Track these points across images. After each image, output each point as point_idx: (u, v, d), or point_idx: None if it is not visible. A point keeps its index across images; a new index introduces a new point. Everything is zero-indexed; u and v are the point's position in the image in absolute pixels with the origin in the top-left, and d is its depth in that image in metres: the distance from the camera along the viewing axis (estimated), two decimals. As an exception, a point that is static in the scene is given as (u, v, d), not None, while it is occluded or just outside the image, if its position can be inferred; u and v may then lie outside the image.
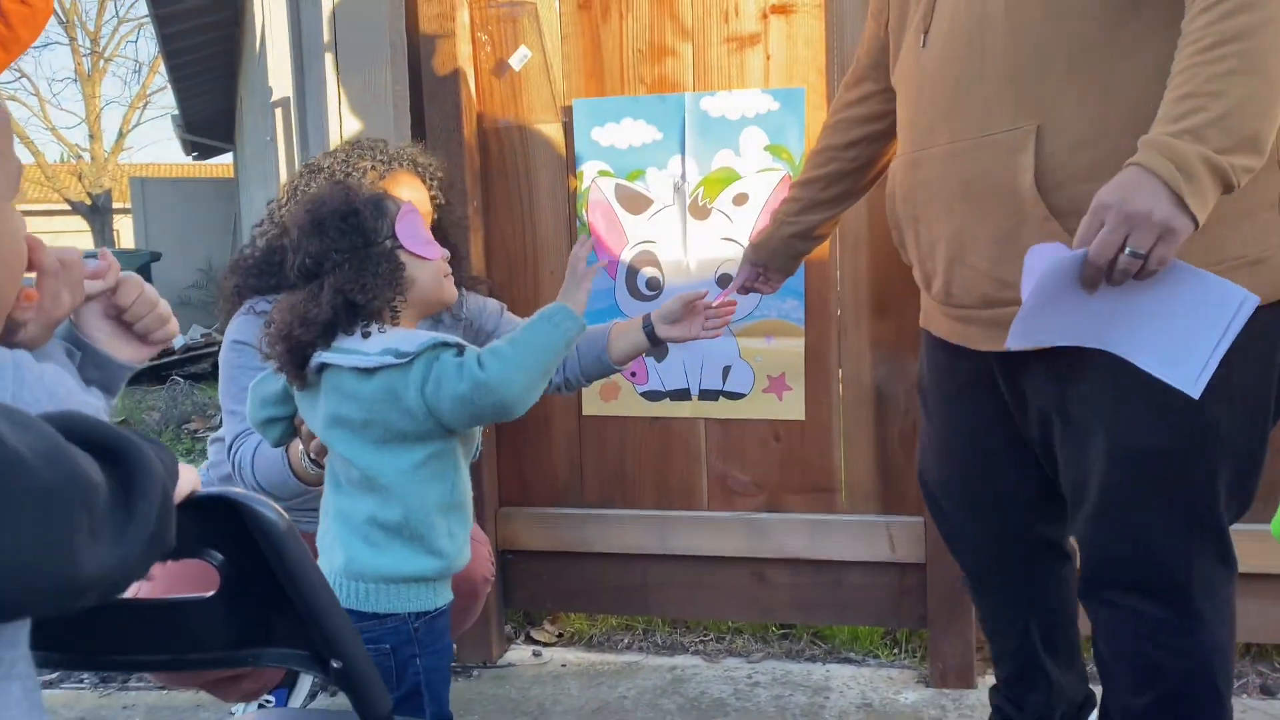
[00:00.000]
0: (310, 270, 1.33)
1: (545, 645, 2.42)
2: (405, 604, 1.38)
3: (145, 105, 19.65)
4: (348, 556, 1.33)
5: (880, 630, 2.30)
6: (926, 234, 1.44)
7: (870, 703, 2.05)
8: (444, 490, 1.36)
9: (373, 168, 1.75)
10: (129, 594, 0.66)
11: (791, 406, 2.20)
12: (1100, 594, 1.37)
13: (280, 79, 3.59)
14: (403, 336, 1.33)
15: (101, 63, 18.90)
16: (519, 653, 2.37)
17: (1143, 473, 1.27)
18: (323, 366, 1.33)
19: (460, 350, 1.36)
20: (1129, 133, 1.14)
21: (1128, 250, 1.06)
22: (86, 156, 18.94)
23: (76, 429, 0.58)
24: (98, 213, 18.24)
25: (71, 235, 21.25)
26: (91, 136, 18.89)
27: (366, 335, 1.31)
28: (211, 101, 10.81)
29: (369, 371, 1.29)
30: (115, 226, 19.09)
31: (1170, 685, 1.31)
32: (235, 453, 1.66)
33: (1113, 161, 1.13)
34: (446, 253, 1.42)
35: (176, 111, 12.00)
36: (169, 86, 11.18)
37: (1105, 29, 1.22)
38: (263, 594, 0.85)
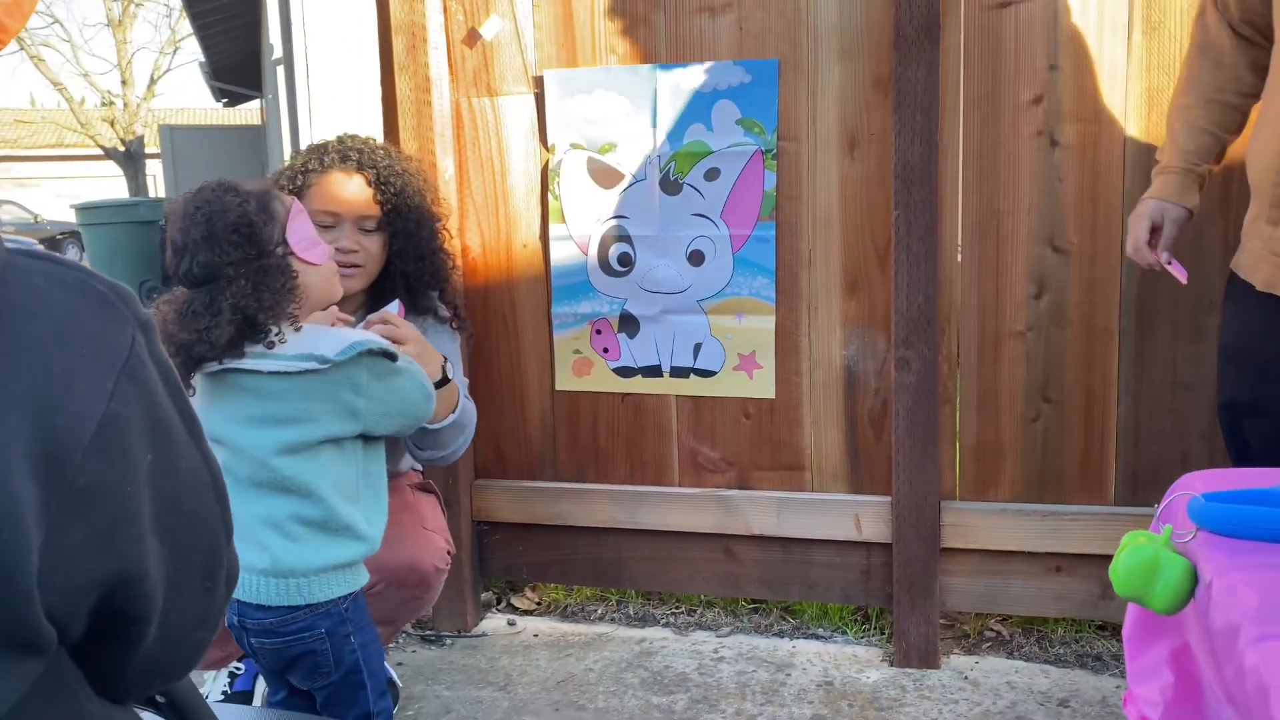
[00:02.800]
0: (198, 278, 1.34)
1: (523, 613, 2.45)
2: (334, 590, 1.41)
3: (176, 51, 19.59)
4: (272, 557, 1.35)
5: (850, 607, 2.30)
6: None
7: (831, 681, 2.06)
8: (353, 477, 1.39)
9: (313, 169, 1.75)
10: None
11: (762, 384, 2.19)
12: None
13: (276, 38, 3.57)
14: (316, 337, 1.34)
15: (132, 7, 18.90)
16: (493, 622, 2.41)
17: None
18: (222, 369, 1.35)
19: (391, 356, 1.39)
20: None
21: None
22: (119, 103, 19.03)
23: None
24: (131, 159, 18.39)
25: (107, 180, 21.49)
26: (123, 82, 18.97)
27: (271, 345, 1.32)
28: (236, 49, 10.79)
29: (289, 374, 1.31)
30: (150, 172, 19.25)
31: None
32: None
33: None
34: (331, 249, 1.44)
35: (203, 59, 12.01)
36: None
37: None
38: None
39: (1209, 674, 0.79)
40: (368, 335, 1.39)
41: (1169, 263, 1.67)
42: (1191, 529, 0.88)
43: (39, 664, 0.44)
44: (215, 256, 1.31)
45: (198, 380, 1.37)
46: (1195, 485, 0.93)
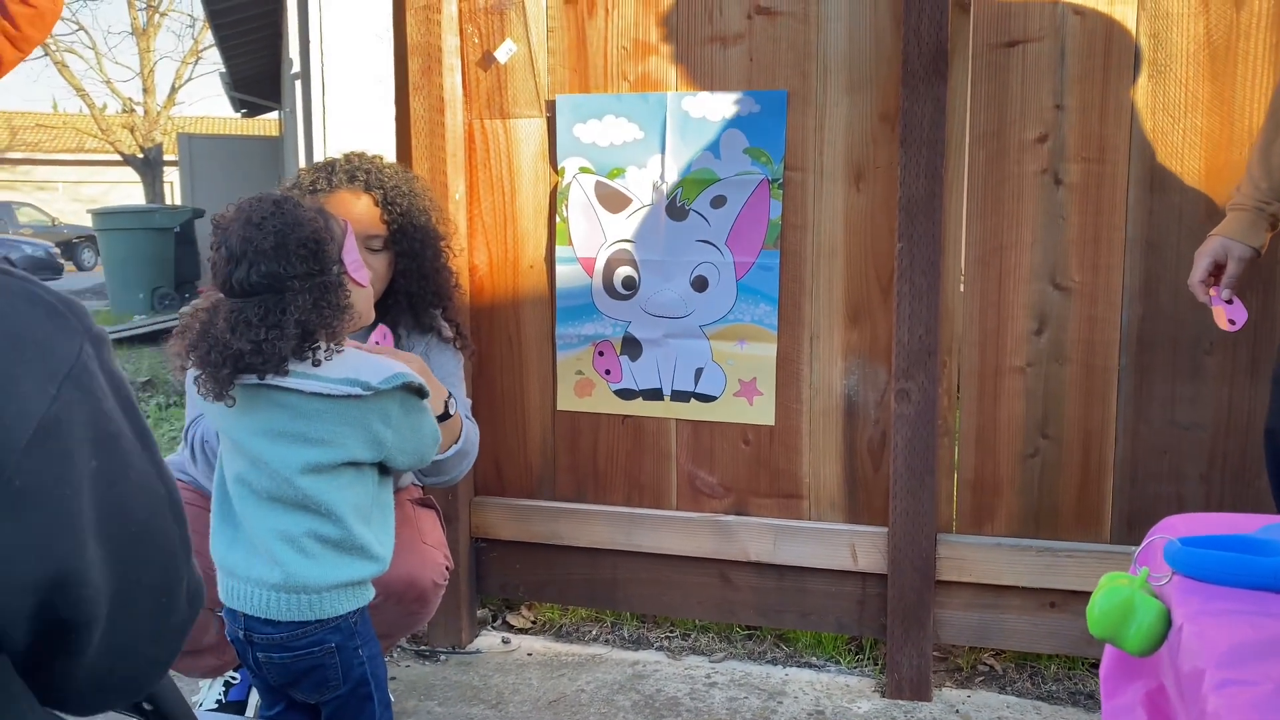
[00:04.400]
0: (254, 288, 1.33)
1: (519, 631, 2.46)
2: (345, 605, 1.42)
3: (197, 61, 19.77)
4: (285, 572, 1.35)
5: (844, 636, 2.30)
6: None
7: (823, 710, 2.06)
8: (369, 499, 1.40)
9: (320, 188, 1.77)
10: None
11: (762, 411, 2.20)
12: None
13: (295, 53, 3.62)
14: (358, 363, 1.36)
15: (156, 17, 19.12)
16: (488, 639, 2.42)
17: None
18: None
19: (422, 392, 1.41)
20: None
21: None
22: (139, 110, 19.22)
23: None
24: (149, 165, 18.54)
25: (124, 186, 21.66)
26: (145, 90, 19.16)
27: (318, 364, 1.33)
28: (256, 61, 10.89)
29: (329, 396, 1.32)
30: (167, 179, 19.41)
31: None
32: (191, 434, 1.71)
33: None
34: (370, 274, 1.47)
35: (224, 69, 12.13)
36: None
37: None
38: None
39: (1182, 715, 0.80)
40: (406, 368, 1.40)
41: (1229, 300, 1.67)
42: (1167, 572, 0.89)
43: None
44: (281, 268, 1.31)
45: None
46: (1177, 528, 0.94)
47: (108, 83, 19.62)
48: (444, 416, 1.62)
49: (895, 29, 2.02)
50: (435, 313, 1.88)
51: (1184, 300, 1.94)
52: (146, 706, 0.73)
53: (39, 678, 0.50)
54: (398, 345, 1.83)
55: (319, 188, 1.78)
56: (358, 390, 1.33)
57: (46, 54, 17.64)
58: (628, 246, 2.23)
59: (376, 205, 1.79)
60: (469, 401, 1.92)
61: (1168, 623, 0.86)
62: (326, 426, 1.35)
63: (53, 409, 0.47)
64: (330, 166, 1.81)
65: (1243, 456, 1.95)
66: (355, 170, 1.79)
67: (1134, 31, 1.92)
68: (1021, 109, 1.99)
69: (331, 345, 1.36)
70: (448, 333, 1.88)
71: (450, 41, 2.25)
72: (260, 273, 1.32)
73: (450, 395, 1.67)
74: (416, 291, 1.81)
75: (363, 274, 1.43)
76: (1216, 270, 1.68)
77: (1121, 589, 0.87)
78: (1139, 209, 1.95)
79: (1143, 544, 0.96)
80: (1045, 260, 2.01)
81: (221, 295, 1.37)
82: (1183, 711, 0.76)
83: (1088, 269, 1.99)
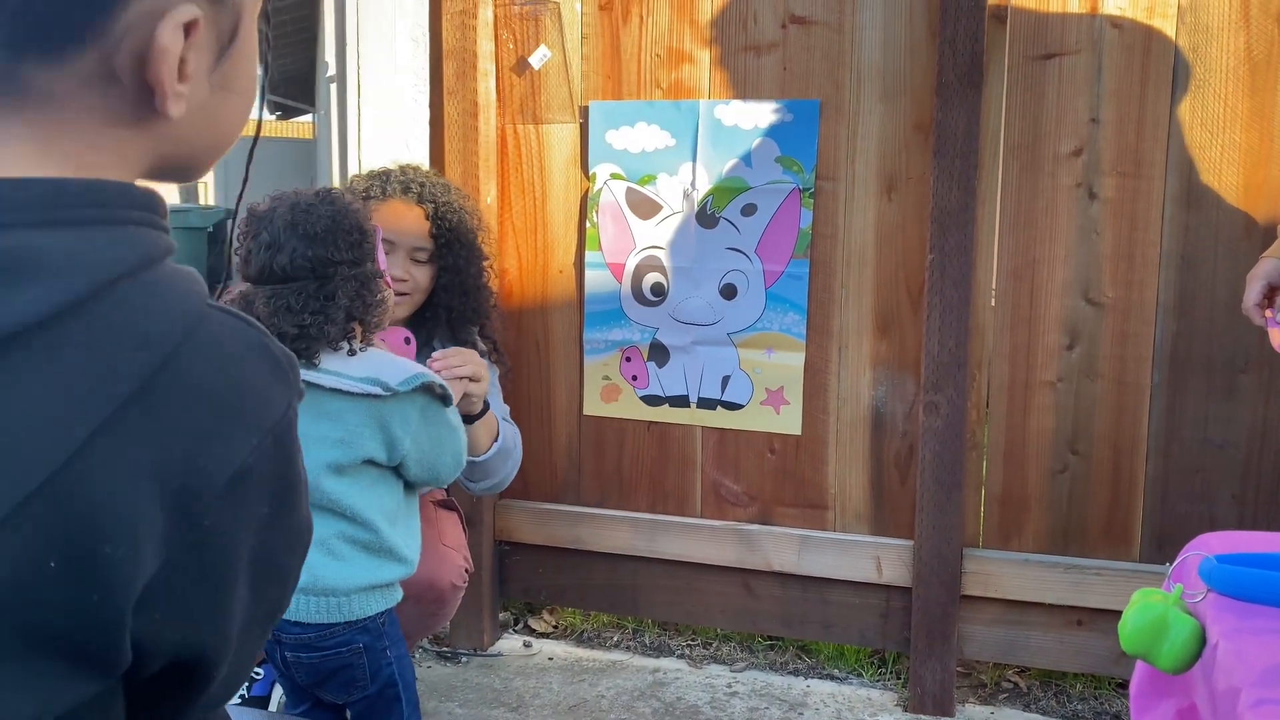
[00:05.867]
0: (291, 273, 1.32)
1: (540, 635, 2.46)
2: (373, 607, 1.42)
3: (235, 62, 19.97)
4: (313, 575, 1.36)
5: (867, 649, 2.29)
6: None
7: (844, 723, 2.04)
8: (395, 502, 1.41)
9: (374, 195, 1.80)
10: None
11: (788, 420, 2.19)
12: None
13: (331, 56, 3.66)
14: (380, 362, 1.36)
15: (195, 19, 19.36)
16: (510, 642, 2.42)
17: None
18: None
19: (446, 399, 1.41)
20: None
21: None
22: (176, 110, 19.46)
23: None
24: (184, 166, 18.76)
25: (158, 184, 21.90)
26: (182, 91, 19.40)
27: (352, 353, 1.34)
28: (291, 64, 11.00)
29: (348, 394, 1.33)
30: (201, 179, 19.62)
31: None
32: None
33: None
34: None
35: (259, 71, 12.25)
36: (253, 47, 11.38)
37: None
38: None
39: (1214, 735, 0.78)
40: (428, 370, 1.41)
41: None
42: (1202, 589, 0.88)
43: (97, 686, 0.45)
44: (330, 253, 1.31)
45: None
46: (1211, 545, 0.93)
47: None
48: (481, 414, 1.63)
49: (930, 39, 2.01)
50: (472, 329, 1.89)
51: (1219, 317, 1.92)
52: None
53: (156, 706, 0.50)
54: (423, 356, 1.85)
55: (373, 194, 1.80)
56: (377, 390, 1.33)
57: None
58: (657, 253, 2.24)
59: (427, 219, 1.81)
60: (506, 407, 1.93)
61: (1202, 640, 0.85)
62: (344, 425, 1.35)
63: (249, 459, 0.49)
64: (385, 175, 1.84)
65: (1277, 477, 1.92)
66: (410, 181, 1.82)
67: (1172, 45, 1.91)
68: (1056, 122, 1.98)
69: (361, 340, 1.37)
70: (483, 347, 1.90)
71: (485, 47, 2.27)
72: (307, 257, 1.31)
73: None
74: (456, 306, 1.83)
75: (388, 277, 1.45)
76: (1270, 292, 1.65)
77: (1155, 605, 0.86)
78: (1174, 224, 1.93)
79: (1176, 560, 0.95)
80: (1078, 275, 1.99)
81: (249, 286, 1.37)
82: (1217, 730, 0.75)
83: (1121, 284, 1.97)
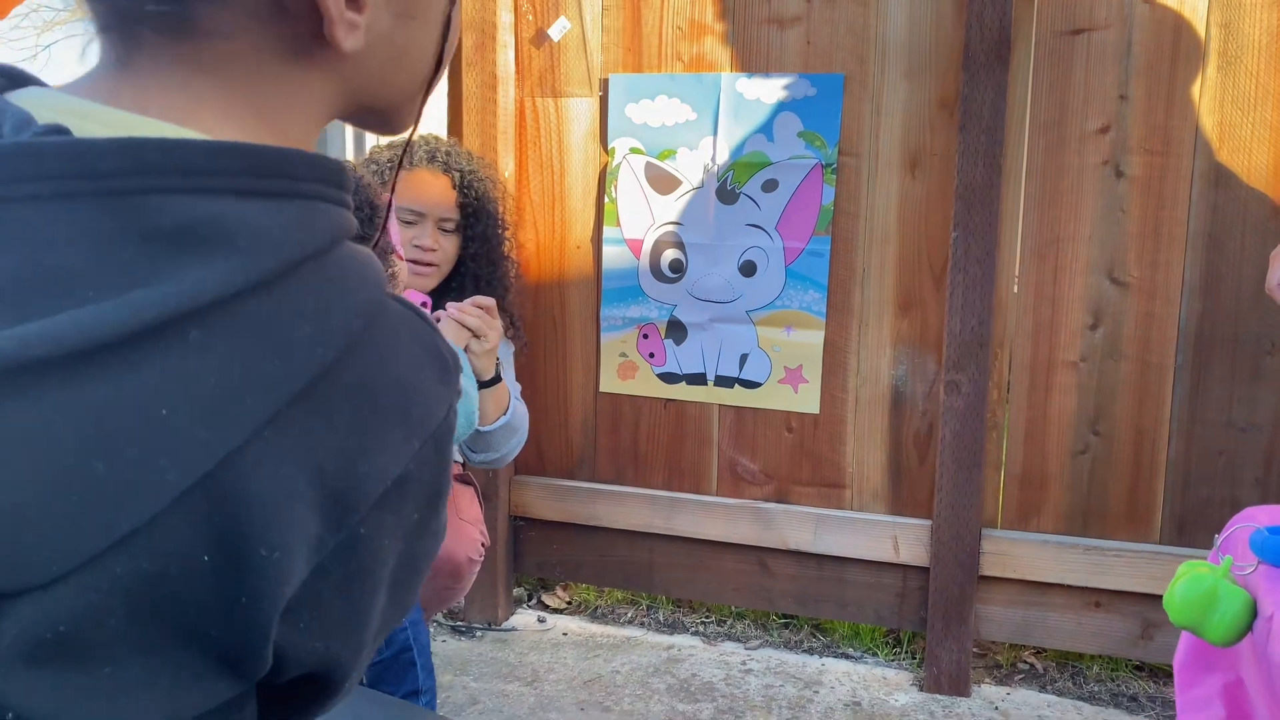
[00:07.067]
0: None
1: (554, 611, 2.46)
2: None
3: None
4: None
5: (883, 629, 2.28)
6: None
7: (859, 701, 2.04)
8: None
9: (400, 165, 1.78)
10: None
11: (807, 399, 2.18)
12: None
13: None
14: None
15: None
16: (524, 617, 2.42)
17: None
18: None
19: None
20: None
21: None
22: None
23: None
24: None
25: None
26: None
27: None
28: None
29: None
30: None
31: None
32: None
33: None
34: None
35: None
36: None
37: None
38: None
39: (1262, 710, 0.77)
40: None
41: None
42: (1253, 561, 0.87)
43: (234, 690, 0.43)
44: None
45: None
46: (1259, 518, 0.92)
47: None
48: (493, 381, 1.62)
49: (957, 14, 1.99)
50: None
51: (1245, 298, 1.90)
52: None
53: (286, 710, 0.48)
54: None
55: (397, 165, 1.78)
56: None
57: (93, 31, 17.87)
58: (676, 229, 2.22)
59: (453, 188, 1.80)
60: (519, 386, 1.92)
61: (1253, 612, 0.84)
62: None
63: (409, 466, 0.46)
64: (409, 145, 1.82)
65: (1301, 460, 1.91)
66: (435, 151, 1.80)
67: (1204, 21, 1.88)
68: (1084, 99, 1.95)
69: None
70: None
71: (505, 18, 2.24)
72: None
73: (499, 360, 1.68)
74: (484, 275, 1.81)
75: (401, 248, 1.44)
76: None
77: (1204, 577, 0.85)
78: (1202, 203, 1.91)
79: (1224, 533, 0.93)
80: (1103, 254, 1.97)
81: None
82: (1269, 701, 0.74)
83: (1147, 264, 1.95)
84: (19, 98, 0.45)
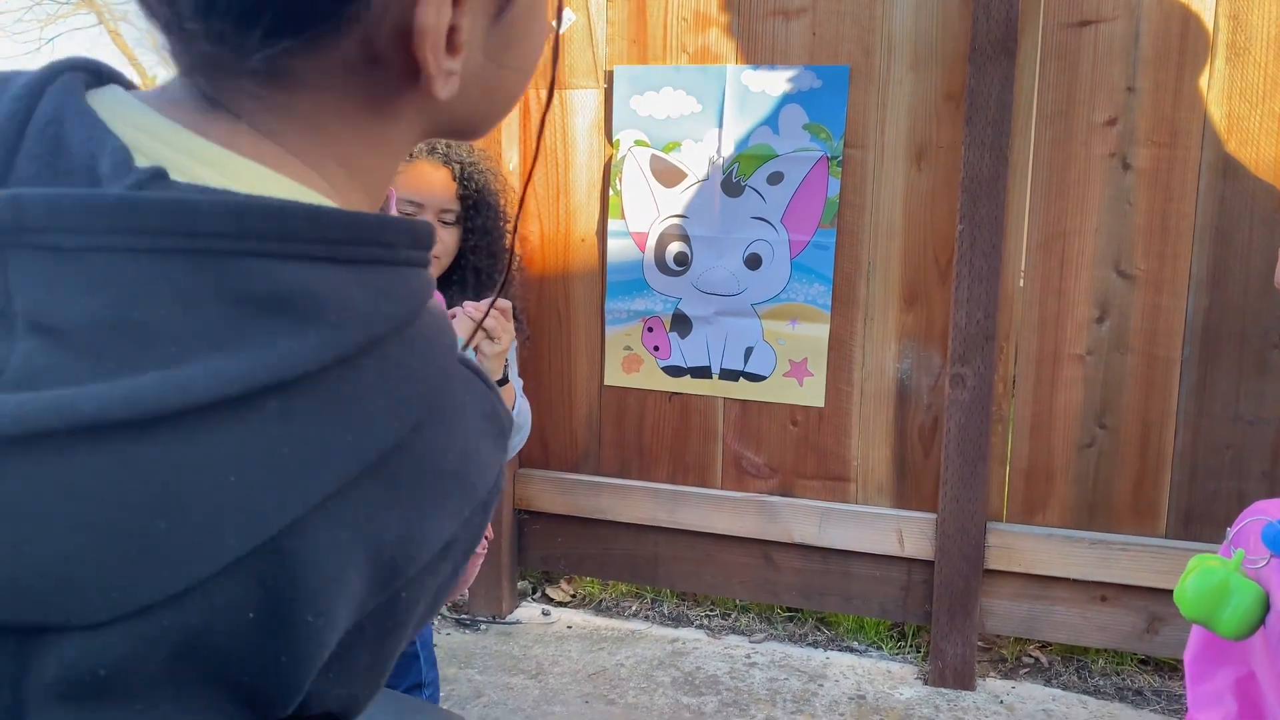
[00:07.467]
0: None
1: (558, 604, 2.46)
2: None
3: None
4: None
5: (887, 622, 2.28)
6: None
7: (864, 695, 2.04)
8: None
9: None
10: None
11: (812, 392, 2.17)
12: None
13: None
14: None
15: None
16: (528, 610, 2.42)
17: None
18: None
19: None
20: None
21: None
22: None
23: None
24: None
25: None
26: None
27: None
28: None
29: None
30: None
31: None
32: None
33: None
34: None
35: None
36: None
37: None
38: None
39: (1273, 703, 0.77)
40: None
41: None
42: (1266, 555, 0.86)
43: None
44: None
45: None
46: (1270, 511, 0.91)
47: (160, 50, 19.76)
48: (501, 381, 1.61)
49: (963, 5, 1.98)
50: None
51: (1253, 292, 1.89)
52: None
53: None
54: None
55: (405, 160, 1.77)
56: None
57: (101, 23, 17.84)
58: (681, 222, 2.21)
59: (454, 180, 1.78)
60: (521, 381, 1.92)
61: (1265, 606, 0.83)
62: None
63: (459, 531, 0.46)
64: None
65: (1308, 454, 1.90)
66: (435, 143, 1.79)
67: (1212, 13, 1.87)
68: (1091, 90, 1.94)
69: None
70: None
71: (509, 9, 2.23)
72: None
73: (506, 362, 1.67)
74: (484, 268, 1.81)
75: None
76: None
77: (1216, 570, 0.85)
78: (1210, 196, 1.90)
79: (1235, 526, 0.93)
80: (1110, 246, 1.96)
81: None
82: (1282, 696, 0.73)
83: (1154, 256, 1.95)
84: (103, 105, 0.44)
